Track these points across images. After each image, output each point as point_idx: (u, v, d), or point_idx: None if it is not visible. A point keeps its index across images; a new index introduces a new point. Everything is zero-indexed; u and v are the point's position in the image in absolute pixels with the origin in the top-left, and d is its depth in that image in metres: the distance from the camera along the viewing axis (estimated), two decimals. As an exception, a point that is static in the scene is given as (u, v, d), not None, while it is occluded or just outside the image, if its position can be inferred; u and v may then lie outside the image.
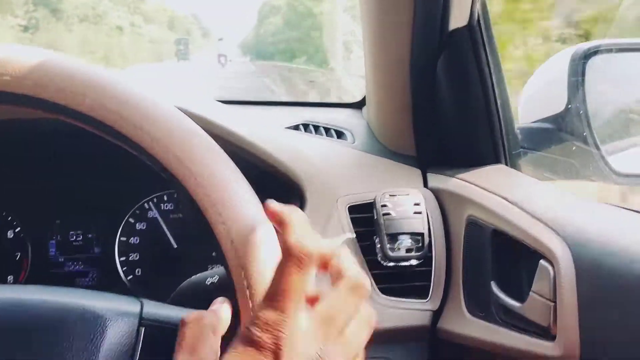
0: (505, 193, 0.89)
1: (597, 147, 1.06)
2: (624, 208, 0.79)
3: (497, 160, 1.03)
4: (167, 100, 0.58)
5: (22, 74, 0.54)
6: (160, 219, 1.06)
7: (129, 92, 0.56)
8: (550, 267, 0.72)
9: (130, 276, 1.05)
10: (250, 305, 0.53)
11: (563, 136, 1.11)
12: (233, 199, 0.55)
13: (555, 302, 0.71)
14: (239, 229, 0.54)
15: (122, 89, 0.56)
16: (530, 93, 1.18)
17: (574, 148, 1.08)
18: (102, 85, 0.55)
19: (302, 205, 0.97)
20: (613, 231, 0.71)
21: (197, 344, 0.51)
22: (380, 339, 0.93)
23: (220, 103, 1.03)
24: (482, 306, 0.87)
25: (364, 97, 1.30)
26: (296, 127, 1.22)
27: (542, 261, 0.74)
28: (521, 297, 0.80)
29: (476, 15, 0.96)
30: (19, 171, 1.02)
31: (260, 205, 0.57)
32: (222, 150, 0.58)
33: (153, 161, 0.55)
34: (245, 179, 0.58)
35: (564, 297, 0.69)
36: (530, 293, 0.75)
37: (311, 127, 1.22)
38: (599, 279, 0.67)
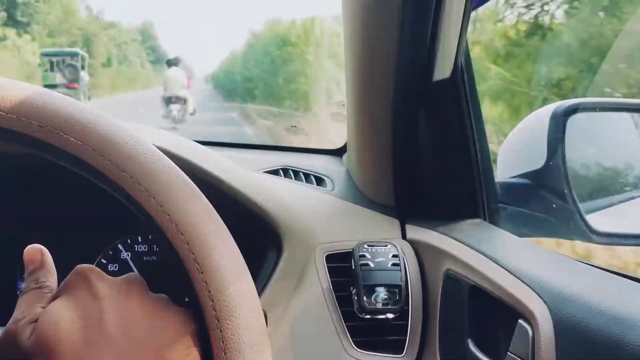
0: (483, 248, 0.88)
1: (576, 205, 1.06)
2: (602, 268, 0.78)
3: (476, 215, 1.03)
4: (146, 139, 0.57)
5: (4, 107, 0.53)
6: (131, 262, 1.04)
7: (111, 129, 0.54)
8: (529, 328, 0.71)
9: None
10: (224, 358, 0.51)
11: (542, 193, 1.11)
12: (213, 251, 0.53)
13: (533, 364, 0.70)
14: (218, 286, 0.52)
15: (104, 126, 0.54)
16: (510, 148, 1.19)
17: (552, 205, 1.09)
18: (85, 122, 0.54)
19: (279, 251, 0.96)
20: (593, 291, 0.70)
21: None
22: (354, 395, 0.92)
23: (198, 144, 1.02)
24: (458, 363, 0.85)
25: (345, 143, 1.30)
26: (275, 172, 1.21)
27: (520, 321, 0.72)
28: (497, 355, 0.78)
29: (460, 67, 0.97)
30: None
31: (242, 261, 0.55)
32: (207, 202, 0.56)
33: (137, 208, 0.54)
34: (229, 234, 0.56)
35: (543, 358, 0.68)
36: (508, 354, 0.74)
37: (291, 172, 1.21)
38: (579, 342, 0.65)
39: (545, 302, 0.71)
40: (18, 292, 1.00)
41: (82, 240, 1.02)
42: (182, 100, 11.65)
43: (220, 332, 0.51)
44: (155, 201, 0.53)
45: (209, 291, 0.52)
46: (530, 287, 0.74)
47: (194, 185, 0.56)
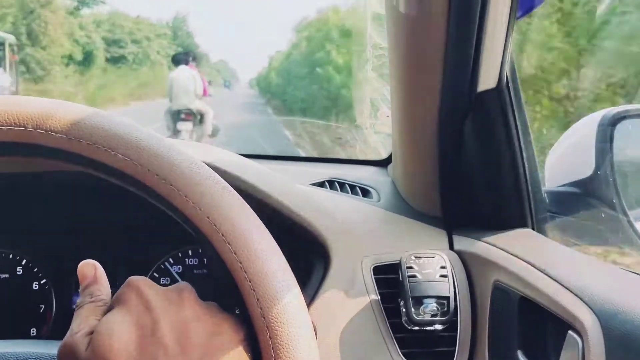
0: (531, 258, 0.87)
1: (625, 214, 1.04)
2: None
3: (523, 224, 1.02)
4: (192, 153, 0.58)
5: (70, 131, 0.55)
6: (183, 274, 1.06)
7: (156, 144, 0.56)
8: (578, 339, 0.70)
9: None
10: None
11: (590, 201, 1.09)
12: (262, 263, 0.55)
13: (584, 376, 0.69)
14: (266, 293, 0.54)
15: (150, 141, 0.56)
16: (557, 156, 1.18)
17: (601, 214, 1.07)
18: (131, 138, 0.55)
19: (326, 264, 0.96)
20: (644, 303, 0.69)
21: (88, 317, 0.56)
22: (403, 407, 0.92)
23: (243, 157, 1.03)
24: (509, 375, 0.85)
25: (390, 154, 1.30)
26: (321, 184, 1.22)
27: (570, 332, 0.72)
28: (549, 367, 0.78)
29: (505, 77, 0.97)
30: (45, 223, 1.03)
31: (288, 269, 0.57)
32: (253, 213, 0.58)
33: (185, 220, 0.55)
34: (275, 244, 0.57)
35: (593, 371, 0.67)
36: (559, 365, 0.73)
37: (336, 184, 1.22)
38: (630, 354, 0.65)
39: (595, 312, 0.70)
40: (73, 307, 1.03)
41: (133, 255, 1.04)
42: (195, 116, 8.39)
43: (270, 339, 0.53)
44: (202, 212, 0.55)
45: (258, 299, 0.53)
46: (579, 298, 0.74)
47: (239, 196, 0.58)
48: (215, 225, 0.54)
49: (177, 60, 9.22)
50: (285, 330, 0.53)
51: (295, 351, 0.53)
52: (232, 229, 0.54)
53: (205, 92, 9.10)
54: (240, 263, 0.54)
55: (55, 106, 0.56)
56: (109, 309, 0.56)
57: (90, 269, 0.61)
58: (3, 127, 0.54)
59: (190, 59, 9.07)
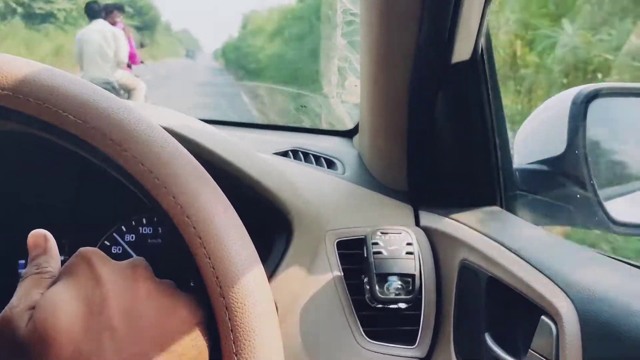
0: (501, 238, 0.84)
1: (596, 194, 1.02)
2: (631, 264, 0.74)
3: (492, 202, 1.00)
4: (151, 118, 0.53)
5: (19, 89, 0.49)
6: (136, 244, 1.00)
7: (112, 107, 0.51)
8: (552, 325, 0.67)
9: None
10: (234, 349, 0.48)
11: (560, 180, 1.07)
12: (222, 235, 0.50)
13: (557, 363, 0.66)
14: (227, 272, 0.49)
15: (105, 103, 0.51)
16: (527, 133, 1.15)
17: (572, 193, 1.05)
18: (84, 99, 0.50)
19: (288, 237, 0.92)
20: (623, 289, 0.66)
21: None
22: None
23: (204, 123, 0.98)
24: (474, 358, 0.82)
25: (356, 125, 1.26)
26: (285, 154, 1.18)
27: (543, 317, 0.69)
28: (517, 352, 0.75)
29: (480, 49, 0.93)
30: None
31: (251, 246, 0.52)
32: (215, 185, 0.53)
33: (140, 189, 0.50)
34: (238, 218, 0.53)
35: (568, 358, 0.65)
36: (530, 350, 0.70)
37: (300, 154, 1.18)
38: (608, 342, 0.62)
39: (571, 299, 0.67)
40: (17, 276, 0.98)
41: (83, 221, 0.99)
42: (117, 92, 5.97)
43: (230, 321, 0.48)
44: (160, 183, 0.50)
45: (217, 278, 0.49)
46: (554, 282, 0.71)
47: (201, 167, 0.53)
48: (173, 197, 0.49)
49: (91, 11, 6.44)
50: (245, 312, 0.49)
51: (256, 334, 0.49)
52: (192, 201, 0.50)
53: (133, 58, 6.72)
54: (200, 238, 0.49)
55: (1, 60, 0.51)
56: (55, 282, 0.51)
57: (41, 238, 0.56)
58: None
59: (110, 12, 6.50)
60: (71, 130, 0.50)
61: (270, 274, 0.89)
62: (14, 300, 0.50)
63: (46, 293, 0.49)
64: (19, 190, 0.97)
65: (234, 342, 0.48)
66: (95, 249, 0.53)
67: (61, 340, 0.45)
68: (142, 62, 7.58)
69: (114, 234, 1.00)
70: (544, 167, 1.08)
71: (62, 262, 0.54)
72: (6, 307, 0.49)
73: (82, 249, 0.53)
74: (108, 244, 1.00)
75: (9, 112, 0.50)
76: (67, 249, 0.97)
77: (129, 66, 6.67)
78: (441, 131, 0.99)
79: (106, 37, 6.19)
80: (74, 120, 0.50)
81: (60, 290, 0.49)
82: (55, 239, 0.56)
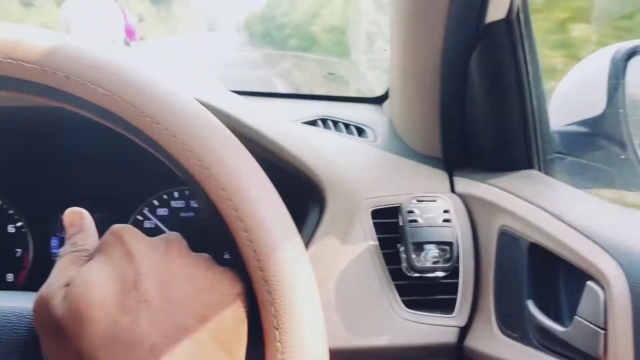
0: (542, 202, 0.82)
1: (636, 154, 0.99)
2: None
3: (529, 165, 0.96)
4: (185, 91, 0.51)
5: (39, 59, 0.48)
6: (169, 218, 1.00)
7: (142, 78, 0.49)
8: (600, 291, 0.65)
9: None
10: (275, 322, 0.47)
11: (599, 141, 1.04)
12: (259, 208, 0.48)
13: (606, 330, 0.64)
14: (264, 241, 0.48)
15: (135, 74, 0.49)
16: (564, 94, 1.11)
17: (611, 154, 1.02)
18: (114, 70, 0.48)
19: (321, 208, 0.90)
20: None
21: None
22: (403, 357, 0.88)
23: (235, 94, 0.96)
24: (516, 326, 0.80)
25: (386, 91, 1.23)
26: (314, 122, 1.15)
27: (590, 283, 0.67)
28: (562, 319, 0.73)
29: (515, 8, 0.89)
30: (23, 162, 0.96)
31: (289, 218, 0.50)
32: (250, 156, 0.51)
33: (174, 163, 0.49)
34: (274, 189, 0.51)
35: (617, 325, 0.62)
36: (575, 317, 0.68)
37: (330, 123, 1.15)
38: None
39: (619, 263, 0.65)
40: (52, 251, 0.97)
41: (115, 197, 0.98)
42: None
43: (269, 294, 0.47)
44: (193, 155, 0.48)
45: (255, 251, 0.47)
46: (599, 246, 0.68)
47: (236, 139, 0.51)
48: (208, 169, 0.48)
49: None
50: (285, 284, 0.47)
51: (297, 306, 0.47)
52: (227, 173, 0.48)
53: (131, 34, 6.08)
54: (237, 211, 0.47)
55: (26, 32, 0.49)
56: (90, 260, 0.50)
57: (77, 217, 0.55)
58: None
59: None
60: (101, 103, 0.48)
61: (305, 245, 0.87)
62: (50, 277, 0.49)
63: (80, 270, 0.48)
64: (51, 167, 0.96)
65: (274, 316, 0.47)
66: (128, 226, 0.52)
67: (96, 315, 0.44)
68: (141, 38, 7.11)
69: (146, 209, 1.00)
70: (582, 129, 1.05)
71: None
72: (43, 285, 0.49)
73: (114, 226, 0.52)
74: (140, 218, 0.99)
75: (36, 86, 0.49)
76: (99, 224, 0.96)
77: (127, 44, 6.21)
78: (475, 94, 0.96)
79: (98, 14, 5.58)
80: (103, 93, 0.48)
81: (94, 267, 0.48)
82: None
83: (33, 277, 0.96)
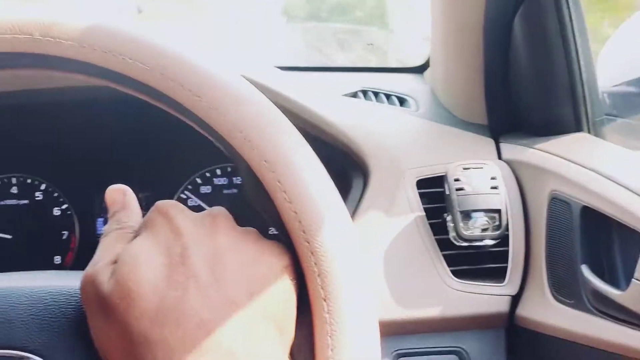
0: (594, 165, 0.79)
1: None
2: None
3: (579, 128, 0.93)
4: (225, 64, 0.51)
5: (83, 39, 0.47)
6: (213, 195, 1.00)
7: (185, 54, 0.49)
8: (658, 252, 0.63)
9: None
10: (323, 294, 0.46)
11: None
12: (302, 178, 0.47)
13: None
14: (309, 212, 0.46)
15: (178, 50, 0.48)
16: (613, 52, 1.08)
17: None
18: (154, 45, 0.48)
19: (365, 178, 0.89)
20: None
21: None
22: (453, 328, 0.87)
23: (274, 68, 0.96)
24: (570, 292, 0.78)
25: (427, 60, 1.21)
26: (354, 95, 1.14)
27: (648, 245, 0.64)
28: (618, 283, 0.71)
29: (559, -35, 0.86)
30: (66, 144, 0.97)
31: (334, 189, 0.49)
32: (293, 127, 0.50)
33: (215, 136, 0.48)
34: (318, 160, 0.50)
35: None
36: (633, 280, 0.66)
37: (371, 94, 1.14)
38: None
39: None
40: (98, 232, 0.98)
41: (159, 175, 0.98)
42: None
43: (316, 265, 0.46)
44: (235, 127, 0.47)
45: (300, 222, 0.46)
46: (656, 206, 0.66)
47: (278, 110, 0.50)
48: (250, 141, 0.47)
49: None
50: (332, 255, 0.46)
51: (345, 277, 0.46)
52: (269, 144, 0.47)
53: None
54: (280, 182, 0.46)
55: (63, 11, 0.49)
56: (136, 237, 0.49)
57: (119, 194, 0.54)
58: (7, 36, 0.47)
59: None
60: (141, 78, 0.48)
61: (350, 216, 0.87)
62: (96, 256, 0.49)
63: (127, 247, 0.48)
64: (93, 149, 0.97)
65: (322, 287, 0.46)
66: (173, 201, 0.51)
67: (145, 292, 0.44)
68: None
69: (189, 187, 1.00)
70: (632, 88, 1.02)
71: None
72: (89, 264, 0.48)
73: (159, 202, 0.51)
74: (184, 197, 1.00)
75: (77, 64, 0.48)
76: (144, 204, 0.97)
77: (139, 10, 6.31)
78: (520, 57, 0.93)
79: None
80: (142, 67, 0.47)
81: (141, 243, 0.47)
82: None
83: (80, 258, 0.98)
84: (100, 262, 0.47)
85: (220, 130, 0.47)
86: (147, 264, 0.45)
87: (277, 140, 0.47)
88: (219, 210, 0.51)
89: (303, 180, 0.47)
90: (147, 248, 0.46)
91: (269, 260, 0.48)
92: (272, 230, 0.60)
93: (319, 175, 0.49)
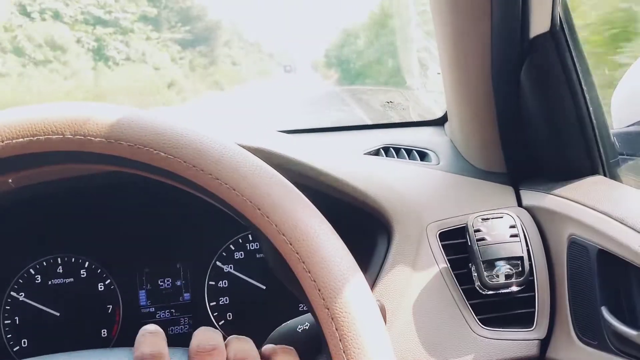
0: (607, 208, 0.82)
1: None
2: None
3: (593, 171, 0.96)
4: (232, 141, 0.55)
5: (113, 135, 0.52)
6: (246, 260, 1.04)
7: (199, 139, 0.53)
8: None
9: (222, 321, 1.03)
10: (345, 358, 0.49)
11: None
12: (321, 252, 0.51)
13: (680, 331, 0.64)
14: (328, 283, 0.51)
15: (193, 136, 0.53)
16: (624, 94, 1.10)
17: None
18: (173, 135, 0.53)
19: (389, 236, 0.93)
20: None
21: None
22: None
23: (286, 134, 1.00)
24: (594, 333, 0.80)
25: (446, 112, 1.25)
26: (376, 152, 1.18)
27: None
28: (637, 323, 0.73)
29: (558, 19, 0.90)
30: (105, 223, 1.02)
31: (349, 254, 0.53)
32: (305, 198, 0.54)
33: (237, 213, 0.53)
34: (331, 227, 0.54)
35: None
36: (650, 321, 0.68)
37: (392, 151, 1.18)
38: None
39: None
40: (140, 304, 1.03)
41: (193, 247, 1.03)
42: None
43: (337, 331, 0.50)
44: (253, 204, 0.52)
45: (319, 290, 0.50)
46: (666, 248, 0.68)
47: (290, 184, 0.55)
48: (267, 217, 0.51)
49: None
50: (352, 320, 0.50)
51: (365, 340, 0.50)
52: (285, 219, 0.51)
53: None
54: (297, 254, 0.51)
55: (91, 109, 0.54)
56: None
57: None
58: (41, 137, 0.52)
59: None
60: (163, 166, 0.53)
61: (376, 274, 0.90)
62: None
63: None
64: (131, 226, 1.02)
65: (344, 351, 0.49)
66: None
67: None
68: None
69: (223, 254, 1.04)
70: (646, 127, 1.04)
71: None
72: None
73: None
74: (220, 264, 1.04)
75: (106, 158, 0.53)
76: (182, 273, 1.02)
77: None
78: (531, 107, 0.97)
79: None
80: (165, 157, 0.52)
81: None
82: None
83: (125, 330, 1.02)
84: None
85: (239, 208, 0.52)
86: None
87: (292, 214, 0.52)
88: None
89: (319, 251, 0.51)
90: None
91: None
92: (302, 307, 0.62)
93: (335, 245, 0.53)
